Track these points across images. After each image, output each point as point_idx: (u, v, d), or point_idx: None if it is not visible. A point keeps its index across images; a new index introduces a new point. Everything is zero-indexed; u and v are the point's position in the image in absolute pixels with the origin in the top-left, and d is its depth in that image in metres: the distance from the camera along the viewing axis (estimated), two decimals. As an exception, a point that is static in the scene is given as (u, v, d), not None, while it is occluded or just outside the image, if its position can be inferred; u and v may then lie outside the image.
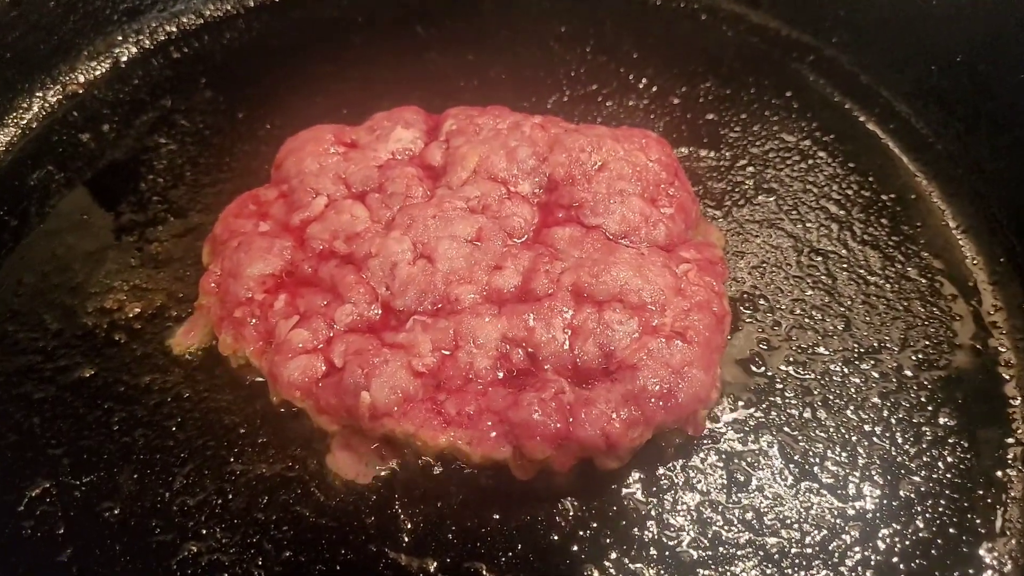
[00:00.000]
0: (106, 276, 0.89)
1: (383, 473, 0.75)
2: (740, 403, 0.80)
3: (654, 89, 1.09)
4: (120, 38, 1.13)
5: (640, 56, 1.14)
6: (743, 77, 1.11)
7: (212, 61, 1.16)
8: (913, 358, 0.83)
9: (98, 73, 1.11)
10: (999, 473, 0.76)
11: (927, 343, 0.85)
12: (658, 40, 1.16)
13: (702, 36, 1.17)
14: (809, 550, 0.71)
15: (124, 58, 1.12)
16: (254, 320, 0.80)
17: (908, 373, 0.82)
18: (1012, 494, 0.75)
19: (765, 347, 0.84)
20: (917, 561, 0.70)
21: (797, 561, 0.70)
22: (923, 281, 0.90)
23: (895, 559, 0.70)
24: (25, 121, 1.04)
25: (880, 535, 0.72)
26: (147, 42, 1.14)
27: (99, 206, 0.96)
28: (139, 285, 0.89)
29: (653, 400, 0.73)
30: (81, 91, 1.08)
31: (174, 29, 1.16)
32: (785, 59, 1.13)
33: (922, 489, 0.75)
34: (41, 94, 1.06)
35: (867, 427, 0.79)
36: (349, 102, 1.07)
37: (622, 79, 1.10)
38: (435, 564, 0.70)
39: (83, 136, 1.04)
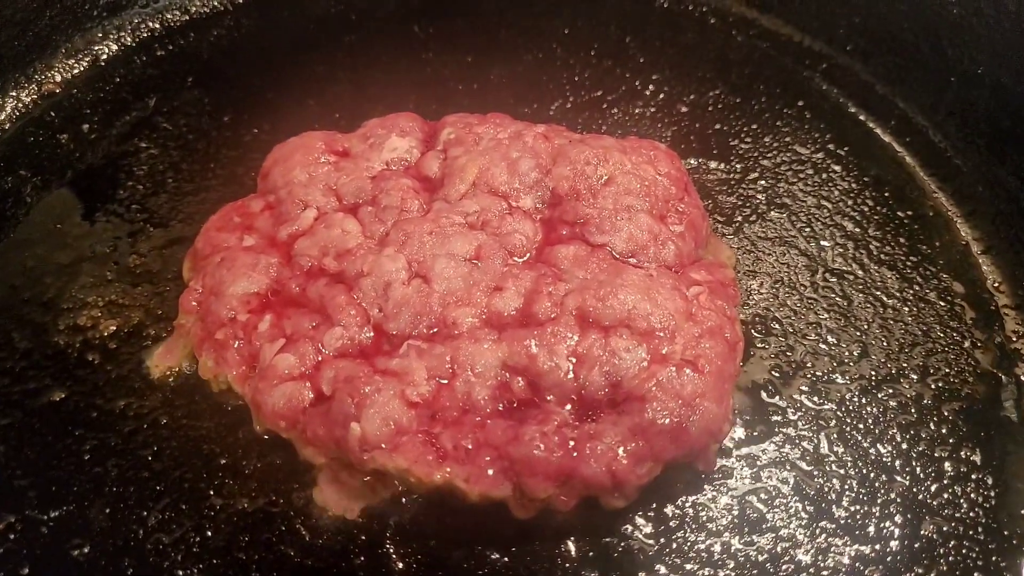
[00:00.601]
0: (80, 291, 0.85)
1: (374, 509, 0.71)
2: (753, 435, 0.76)
3: (661, 96, 1.05)
4: (100, 35, 1.08)
5: (647, 61, 1.10)
6: (754, 85, 1.08)
7: (198, 60, 1.12)
8: (933, 387, 0.80)
9: (76, 71, 1.06)
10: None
11: (948, 371, 0.81)
12: (665, 44, 1.13)
13: (711, 41, 1.14)
14: (826, 588, 0.67)
15: (104, 56, 1.07)
16: (237, 342, 0.76)
17: (928, 403, 0.79)
18: (1036, 529, 0.71)
19: (778, 375, 0.80)
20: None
21: (813, 607, 0.66)
22: (942, 304, 0.86)
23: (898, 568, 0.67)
24: (-3, 121, 0.99)
25: (892, 561, 0.68)
26: (129, 39, 1.10)
27: (74, 214, 0.92)
28: (115, 301, 0.85)
29: (662, 434, 0.69)
30: (58, 90, 1.04)
31: (158, 26, 1.11)
32: (797, 67, 1.10)
33: (945, 529, 0.72)
34: (15, 93, 1.02)
35: (886, 461, 0.75)
36: (341, 106, 1.03)
37: (628, 85, 1.07)
38: (428, 609, 0.66)
39: (60, 138, 1.00)
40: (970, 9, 0.95)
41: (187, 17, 1.13)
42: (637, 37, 1.13)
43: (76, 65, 1.06)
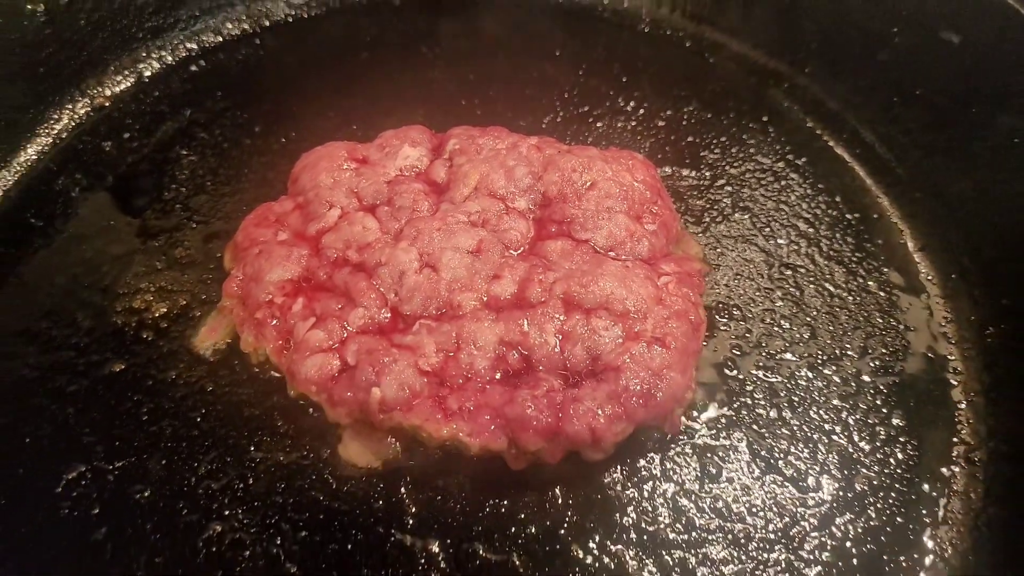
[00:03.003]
0: (134, 278, 0.96)
1: (390, 462, 0.83)
2: (713, 403, 0.88)
3: (641, 111, 1.17)
4: (144, 54, 1.19)
5: (629, 80, 1.21)
6: (723, 102, 1.19)
7: (228, 76, 1.22)
8: (871, 365, 0.92)
9: (123, 87, 1.17)
10: (944, 469, 0.84)
11: (884, 351, 0.93)
12: (646, 65, 1.23)
13: (687, 63, 1.25)
14: (772, 535, 0.79)
15: (148, 73, 1.19)
16: (274, 321, 0.87)
17: (866, 378, 0.91)
18: (955, 488, 0.83)
19: (737, 353, 0.92)
20: (868, 546, 0.79)
21: (761, 545, 0.78)
22: (882, 294, 0.98)
23: (848, 544, 0.79)
24: (55, 131, 1.11)
25: (836, 523, 0.80)
26: (169, 58, 1.21)
27: (125, 213, 1.03)
28: (164, 287, 0.95)
29: (634, 399, 0.81)
30: (107, 104, 1.15)
31: (194, 46, 1.23)
32: (762, 86, 1.21)
33: (875, 482, 0.83)
34: (70, 107, 1.13)
35: (827, 427, 0.87)
36: (358, 117, 1.13)
37: (612, 101, 1.18)
38: (436, 544, 0.78)
39: (107, 146, 1.10)
40: (912, 40, 1.08)
41: (220, 39, 1.25)
42: (620, 59, 1.23)
43: (123, 81, 1.17)
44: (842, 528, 0.80)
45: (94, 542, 0.77)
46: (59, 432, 0.84)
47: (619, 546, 0.78)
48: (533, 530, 0.78)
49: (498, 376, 0.83)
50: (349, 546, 0.77)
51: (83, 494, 0.80)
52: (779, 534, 0.79)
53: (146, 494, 0.80)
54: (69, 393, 0.87)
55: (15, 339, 0.90)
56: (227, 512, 0.79)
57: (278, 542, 0.77)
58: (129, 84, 1.18)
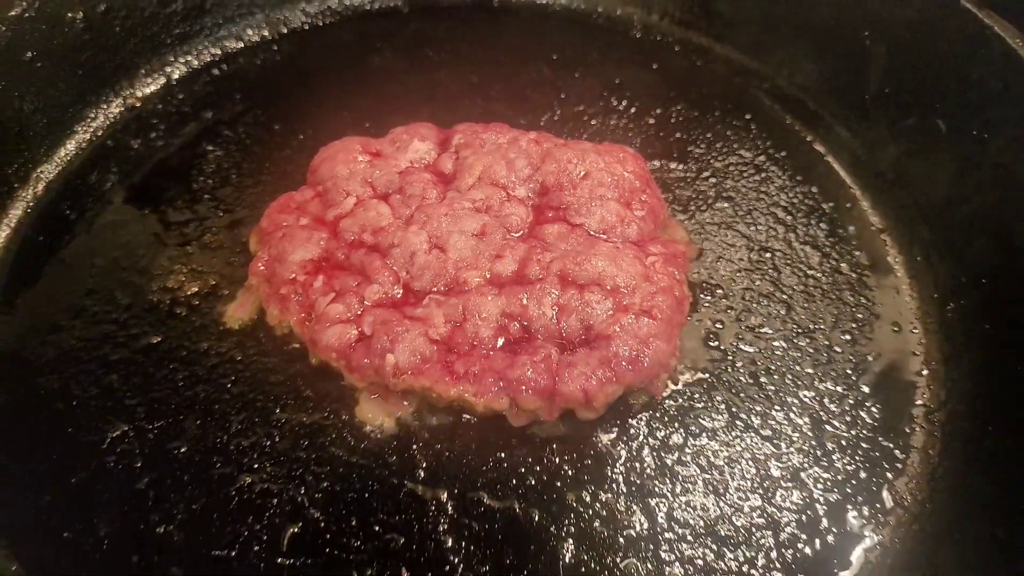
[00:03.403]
0: (167, 261, 1.04)
1: (403, 421, 0.92)
2: (696, 370, 0.96)
3: (632, 110, 1.26)
4: (172, 58, 1.28)
5: (621, 81, 1.30)
6: (709, 101, 1.27)
7: (249, 80, 1.31)
8: (841, 337, 1.00)
9: (152, 89, 1.26)
10: (905, 428, 0.93)
11: (853, 325, 1.01)
12: (638, 68, 1.32)
13: (675, 65, 1.34)
14: (748, 484, 0.87)
15: (175, 76, 1.27)
16: (297, 296, 0.96)
17: (837, 349, 0.99)
18: (914, 445, 0.91)
19: (720, 326, 1.01)
20: (835, 495, 0.87)
21: (739, 494, 0.86)
22: (853, 275, 1.07)
23: (816, 493, 0.87)
24: (92, 129, 1.19)
25: (805, 474, 0.88)
26: (195, 62, 1.30)
27: (157, 203, 1.11)
28: (195, 268, 1.04)
29: (623, 364, 0.89)
30: (138, 104, 1.24)
31: (218, 51, 1.32)
32: (745, 87, 1.30)
33: (842, 441, 0.91)
34: (105, 106, 1.22)
35: (801, 392, 0.95)
36: (370, 116, 1.20)
37: (605, 101, 1.26)
38: (445, 493, 0.86)
39: (137, 143, 1.20)
40: (880, 47, 1.17)
41: (241, 44, 1.34)
42: (614, 62, 1.31)
43: (153, 83, 1.26)
44: (811, 479, 0.88)
45: (137, 490, 0.85)
46: (104, 395, 0.92)
47: (609, 495, 0.86)
48: (532, 481, 0.87)
49: (500, 344, 0.92)
50: (366, 495, 0.86)
51: (127, 449, 0.88)
52: (754, 484, 0.87)
53: (183, 450, 0.88)
54: (112, 362, 0.95)
55: (62, 314, 0.99)
56: (256, 465, 0.87)
57: (302, 491, 0.86)
58: (158, 86, 1.27)
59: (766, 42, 1.30)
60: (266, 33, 1.36)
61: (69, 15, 1.15)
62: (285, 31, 1.37)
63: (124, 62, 1.23)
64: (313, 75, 1.32)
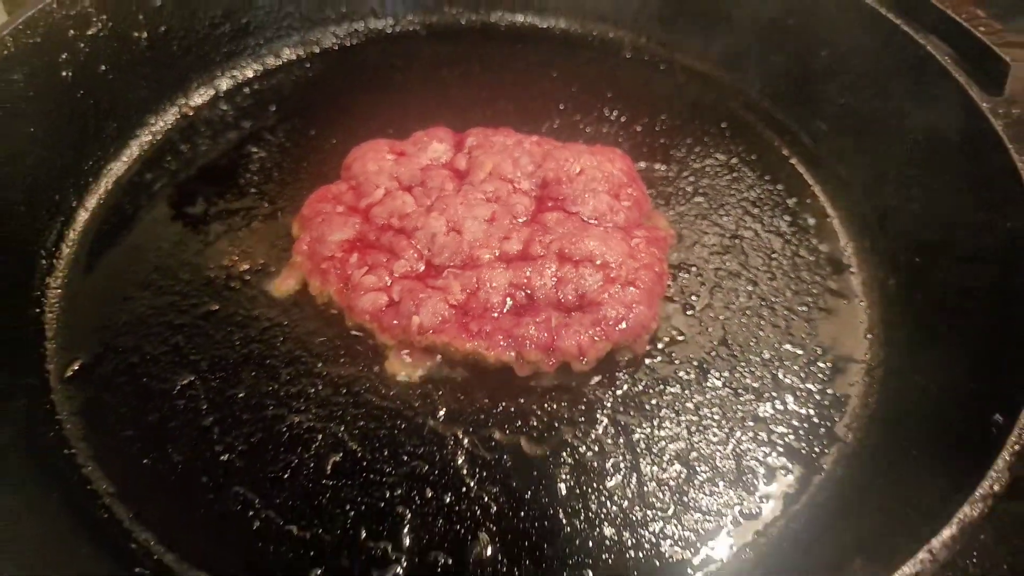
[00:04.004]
0: (220, 243, 1.19)
1: (426, 372, 1.06)
2: (673, 333, 1.12)
3: (622, 119, 1.43)
4: (220, 73, 1.46)
5: (613, 95, 1.47)
6: (689, 112, 1.44)
7: (284, 92, 1.49)
8: (799, 308, 1.17)
9: (202, 100, 1.44)
10: (849, 382, 1.09)
11: (809, 298, 1.18)
12: (627, 83, 1.50)
13: (661, 82, 1.52)
14: (714, 424, 1.03)
15: (224, 88, 1.46)
16: (336, 270, 1.12)
17: (794, 318, 1.15)
18: (855, 394, 1.08)
19: (695, 298, 1.17)
20: (789, 435, 1.03)
21: (706, 432, 1.02)
22: (811, 258, 1.24)
23: (773, 431, 1.02)
24: (152, 133, 1.37)
25: (765, 417, 1.04)
26: (239, 76, 1.48)
27: (211, 195, 1.29)
28: (245, 249, 1.19)
29: (611, 325, 1.05)
30: (191, 112, 1.42)
31: (259, 67, 1.50)
32: (721, 99, 1.47)
33: (797, 392, 1.06)
34: (162, 113, 1.39)
35: (762, 352, 1.11)
36: (393, 123, 1.35)
37: (598, 112, 1.43)
38: (461, 431, 1.02)
39: (190, 146, 1.38)
40: (837, 58, 1.36)
41: (279, 62, 1.52)
42: (606, 78, 1.49)
43: (203, 95, 1.44)
44: (769, 421, 1.04)
45: (203, 427, 1.01)
46: (172, 352, 1.08)
47: (598, 432, 1.02)
48: (534, 421, 1.03)
49: (508, 308, 1.08)
50: (395, 431, 1.01)
51: (193, 395, 1.04)
52: (720, 424, 1.03)
53: (241, 395, 1.04)
54: (177, 325, 1.11)
55: (133, 287, 1.16)
56: (302, 408, 1.03)
57: (342, 429, 1.02)
58: (207, 97, 1.45)
59: (739, 62, 1.48)
60: (301, 52, 1.54)
61: (135, 34, 1.33)
62: (317, 51, 1.55)
63: (179, 75, 1.41)
64: (342, 89, 1.49)
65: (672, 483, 0.98)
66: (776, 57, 1.42)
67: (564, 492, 0.97)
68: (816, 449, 1.02)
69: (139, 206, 1.27)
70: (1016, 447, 0.76)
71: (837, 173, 1.34)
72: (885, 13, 1.28)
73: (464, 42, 1.57)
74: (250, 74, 1.49)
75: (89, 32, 1.27)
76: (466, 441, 1.00)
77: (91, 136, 1.28)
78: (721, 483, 0.98)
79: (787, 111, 1.43)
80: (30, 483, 0.92)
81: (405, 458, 0.99)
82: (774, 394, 1.07)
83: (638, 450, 1.01)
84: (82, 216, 1.25)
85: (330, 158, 1.33)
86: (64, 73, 1.24)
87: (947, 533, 0.70)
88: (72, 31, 1.25)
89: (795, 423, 1.04)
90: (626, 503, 0.96)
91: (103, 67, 1.29)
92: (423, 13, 1.59)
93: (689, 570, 0.91)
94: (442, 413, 1.03)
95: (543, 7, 1.58)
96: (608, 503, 0.96)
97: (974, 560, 0.99)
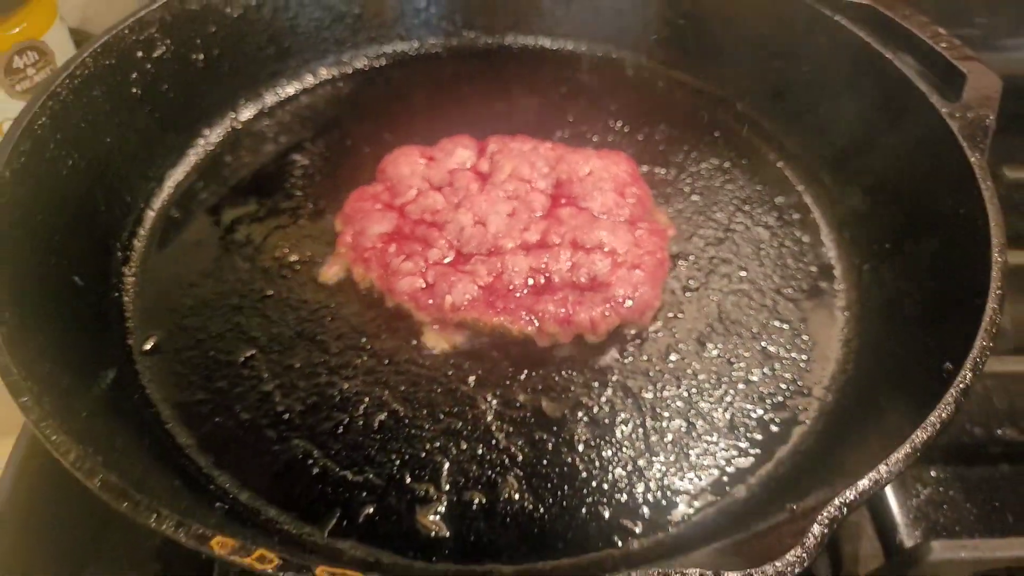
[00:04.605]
0: (271, 238, 1.33)
1: (458, 345, 1.20)
2: (674, 310, 1.27)
3: (626, 130, 1.58)
4: (265, 91, 1.60)
5: (617, 108, 1.60)
6: (686, 123, 1.57)
7: (319, 108, 1.64)
8: (784, 290, 1.31)
9: (247, 116, 1.60)
10: (827, 352, 1.24)
11: (793, 282, 1.32)
12: (630, 98, 1.63)
13: (660, 96, 1.66)
14: (710, 386, 1.17)
15: (269, 104, 1.62)
16: (377, 259, 1.28)
17: (780, 299, 1.29)
18: (835, 359, 1.23)
19: (692, 282, 1.32)
20: (776, 395, 1.18)
21: (704, 392, 1.17)
22: (795, 248, 1.39)
23: (762, 391, 1.17)
24: (205, 146, 1.53)
25: (755, 380, 1.19)
26: (281, 93, 1.63)
27: (261, 198, 1.45)
28: (294, 243, 1.33)
29: (620, 302, 1.21)
30: (240, 126, 1.58)
31: (300, 85, 1.65)
32: (715, 111, 1.61)
33: (783, 360, 1.20)
34: (214, 128, 1.55)
35: (752, 327, 1.25)
36: (419, 134, 1.47)
37: (603, 123, 1.56)
38: (490, 394, 1.16)
39: (241, 154, 1.54)
40: (817, 74, 1.53)
41: (316, 81, 1.66)
42: (610, 94, 1.62)
43: (250, 111, 1.60)
44: (759, 383, 1.18)
45: (264, 391, 1.14)
46: (234, 330, 1.23)
47: (609, 393, 1.17)
48: (553, 385, 1.16)
49: (528, 289, 1.24)
50: (432, 394, 1.15)
51: (255, 364, 1.18)
52: (715, 386, 1.18)
53: (297, 365, 1.18)
54: (237, 307, 1.25)
55: (197, 275, 1.31)
56: (351, 375, 1.16)
57: (386, 392, 1.16)
58: (253, 113, 1.61)
59: (729, 78, 1.64)
60: (335, 72, 1.71)
61: (193, 56, 1.50)
62: (350, 71, 1.72)
63: (230, 93, 1.57)
64: (373, 104, 1.65)
65: (674, 435, 1.13)
66: (762, 74, 1.58)
67: (580, 444, 1.11)
68: (800, 407, 1.17)
69: (198, 207, 1.43)
70: (961, 386, 0.91)
71: (817, 175, 1.49)
72: (859, 32, 1.43)
73: (482, 62, 1.73)
74: (291, 91, 1.65)
75: (155, 55, 1.43)
76: (494, 402, 1.15)
77: (155, 147, 1.45)
78: (716, 435, 1.13)
79: (773, 121, 1.58)
80: (122, 435, 1.06)
81: (442, 416, 1.14)
82: (763, 362, 1.22)
83: (644, 408, 1.16)
84: (149, 216, 1.40)
85: (365, 164, 1.48)
86: (134, 90, 1.40)
87: (903, 451, 0.85)
88: (140, 53, 1.41)
89: (781, 386, 1.19)
90: (634, 452, 1.11)
91: (165, 86, 1.45)
92: (444, 36, 1.75)
93: (688, 501, 1.06)
94: (472, 379, 1.18)
95: (553, 31, 1.75)
96: (619, 452, 1.11)
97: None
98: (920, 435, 0.88)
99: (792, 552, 0.77)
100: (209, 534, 0.80)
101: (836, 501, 0.81)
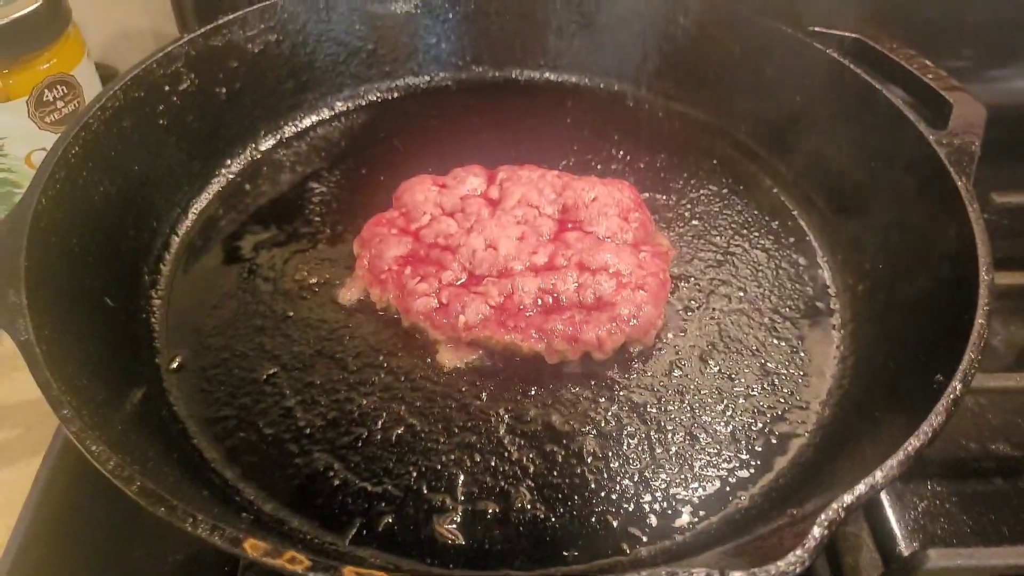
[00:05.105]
0: (292, 262, 1.41)
1: (471, 362, 1.27)
2: (676, 330, 1.34)
3: (628, 158, 1.63)
4: (284, 123, 1.67)
5: (619, 138, 1.66)
6: (685, 152, 1.63)
7: (334, 139, 1.72)
8: (781, 310, 1.37)
9: (268, 144, 1.66)
10: (823, 369, 1.30)
11: (791, 302, 1.38)
12: (630, 128, 1.69)
13: (659, 126, 1.72)
14: (712, 401, 1.23)
15: (288, 134, 1.69)
16: (393, 280, 1.35)
17: (777, 319, 1.36)
18: (830, 376, 1.29)
19: (693, 302, 1.38)
20: (775, 409, 1.23)
21: (708, 408, 1.22)
22: (792, 270, 1.45)
23: (761, 406, 1.23)
24: (227, 175, 1.61)
25: (754, 395, 1.25)
26: (299, 125, 1.71)
27: (281, 224, 1.52)
28: (313, 266, 1.39)
29: (624, 321, 1.28)
30: (260, 156, 1.65)
31: (316, 117, 1.73)
32: (713, 140, 1.67)
33: (781, 375, 1.26)
34: (236, 158, 1.63)
35: (751, 346, 1.32)
36: (431, 163, 1.53)
37: (607, 152, 1.63)
38: (502, 408, 1.21)
39: (258, 184, 1.61)
40: (809, 104, 1.60)
41: (332, 113, 1.74)
42: (613, 124, 1.69)
43: (270, 141, 1.66)
44: (757, 399, 1.24)
45: (287, 407, 1.19)
46: (257, 349, 1.29)
47: (615, 408, 1.22)
48: (563, 400, 1.21)
49: (537, 309, 1.30)
50: (447, 409, 1.21)
51: (277, 382, 1.23)
52: (717, 401, 1.23)
53: (317, 382, 1.24)
54: (260, 327, 1.31)
55: (221, 297, 1.36)
56: (368, 391, 1.21)
57: (403, 408, 1.21)
58: (272, 143, 1.68)
59: (726, 109, 1.71)
60: (351, 104, 1.78)
61: (217, 89, 1.58)
62: (363, 103, 1.79)
63: (250, 124, 1.64)
64: (387, 135, 1.72)
65: (678, 447, 1.18)
66: (758, 104, 1.65)
67: (589, 456, 1.17)
68: (798, 420, 1.22)
69: (221, 233, 1.49)
70: (951, 396, 0.97)
71: (812, 200, 1.56)
72: (849, 65, 1.51)
73: (490, 95, 1.80)
74: (309, 123, 1.72)
75: (180, 87, 1.51)
76: (506, 417, 1.21)
77: (181, 175, 1.51)
78: (718, 447, 1.18)
79: (768, 149, 1.64)
80: (153, 448, 1.11)
81: (456, 431, 1.19)
82: (762, 378, 1.27)
83: (649, 422, 1.21)
84: (175, 241, 1.47)
85: (380, 191, 1.55)
86: (161, 121, 1.47)
87: (898, 458, 0.91)
88: (167, 87, 1.48)
89: (780, 400, 1.25)
90: (640, 463, 1.16)
91: (190, 117, 1.53)
92: (454, 70, 1.83)
93: (692, 510, 1.11)
94: (485, 395, 1.23)
95: (557, 64, 1.83)
96: (626, 463, 1.16)
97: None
98: (913, 442, 0.93)
99: (793, 553, 0.82)
100: (242, 537, 0.85)
101: (834, 505, 0.86)
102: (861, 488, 0.90)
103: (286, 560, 0.83)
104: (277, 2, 1.64)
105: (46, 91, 1.56)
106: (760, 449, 1.18)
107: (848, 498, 0.89)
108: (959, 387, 0.99)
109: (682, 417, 1.21)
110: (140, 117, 1.43)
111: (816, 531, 0.85)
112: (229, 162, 1.61)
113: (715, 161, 1.66)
